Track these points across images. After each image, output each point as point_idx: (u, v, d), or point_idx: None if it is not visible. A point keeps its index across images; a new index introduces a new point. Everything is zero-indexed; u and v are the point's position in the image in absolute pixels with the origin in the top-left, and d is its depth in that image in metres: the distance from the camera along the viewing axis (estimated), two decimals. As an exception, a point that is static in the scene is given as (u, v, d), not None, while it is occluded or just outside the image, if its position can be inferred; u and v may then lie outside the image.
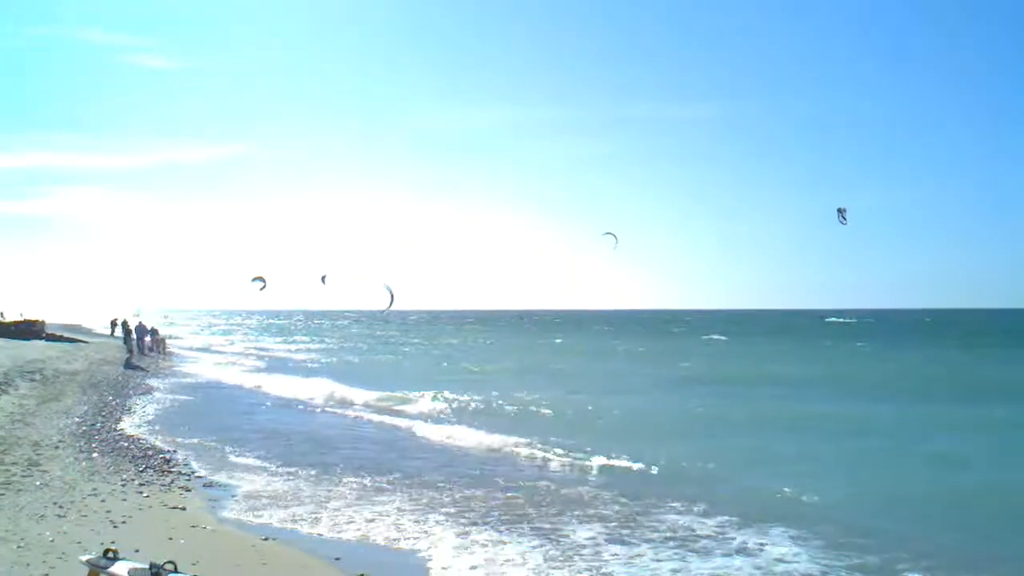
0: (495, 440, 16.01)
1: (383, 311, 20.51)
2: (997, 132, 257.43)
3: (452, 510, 10.58)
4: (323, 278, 25.25)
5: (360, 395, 23.81)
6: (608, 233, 17.10)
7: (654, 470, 13.24)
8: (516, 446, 15.39)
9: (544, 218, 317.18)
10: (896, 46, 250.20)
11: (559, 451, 14.77)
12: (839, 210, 16.30)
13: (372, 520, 10.06)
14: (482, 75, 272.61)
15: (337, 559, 8.47)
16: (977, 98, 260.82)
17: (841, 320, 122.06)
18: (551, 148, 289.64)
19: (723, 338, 67.58)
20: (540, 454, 14.73)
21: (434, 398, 22.97)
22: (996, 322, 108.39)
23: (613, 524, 9.93)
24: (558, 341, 66.64)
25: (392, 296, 20.20)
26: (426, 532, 9.55)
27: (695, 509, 10.64)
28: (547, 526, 9.81)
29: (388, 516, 10.26)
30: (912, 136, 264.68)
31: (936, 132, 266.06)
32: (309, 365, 39.34)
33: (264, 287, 22.92)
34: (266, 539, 9.05)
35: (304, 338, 72.19)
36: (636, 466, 13.45)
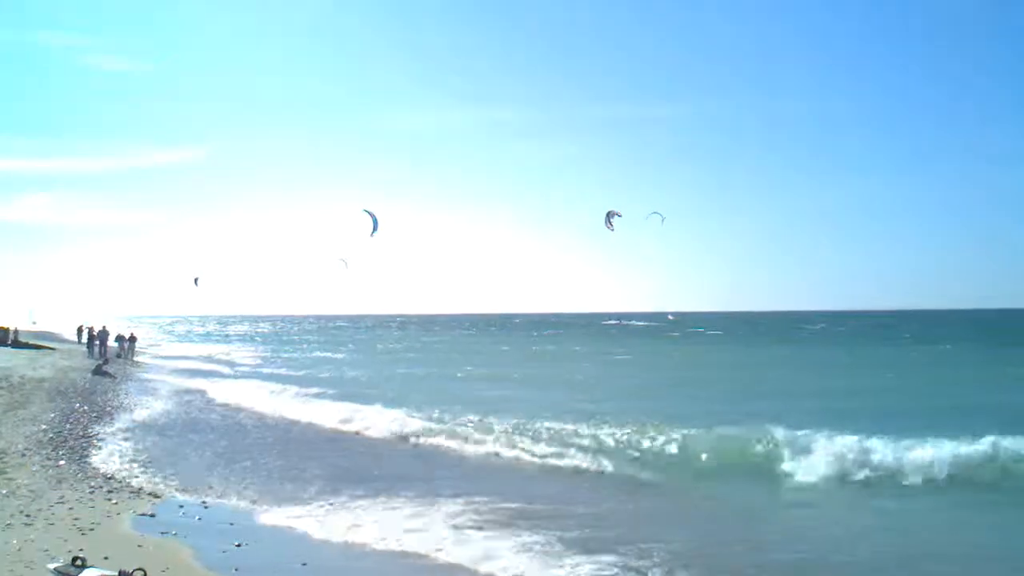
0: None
1: (371, 234, 18.69)
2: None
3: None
4: (196, 280, 24.85)
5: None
6: (655, 212, 16.55)
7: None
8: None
9: (499, 217, 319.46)
10: (867, 43, 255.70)
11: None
12: (608, 214, 15.89)
13: (357, 526, 10.03)
14: (445, 77, 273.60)
15: (304, 564, 8.48)
16: (944, 96, 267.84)
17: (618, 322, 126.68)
18: (512, 150, 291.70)
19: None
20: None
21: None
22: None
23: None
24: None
25: (375, 221, 18.59)
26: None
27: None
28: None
29: (376, 523, 10.20)
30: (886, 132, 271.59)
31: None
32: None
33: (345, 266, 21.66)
34: (239, 545, 9.06)
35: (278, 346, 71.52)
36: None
